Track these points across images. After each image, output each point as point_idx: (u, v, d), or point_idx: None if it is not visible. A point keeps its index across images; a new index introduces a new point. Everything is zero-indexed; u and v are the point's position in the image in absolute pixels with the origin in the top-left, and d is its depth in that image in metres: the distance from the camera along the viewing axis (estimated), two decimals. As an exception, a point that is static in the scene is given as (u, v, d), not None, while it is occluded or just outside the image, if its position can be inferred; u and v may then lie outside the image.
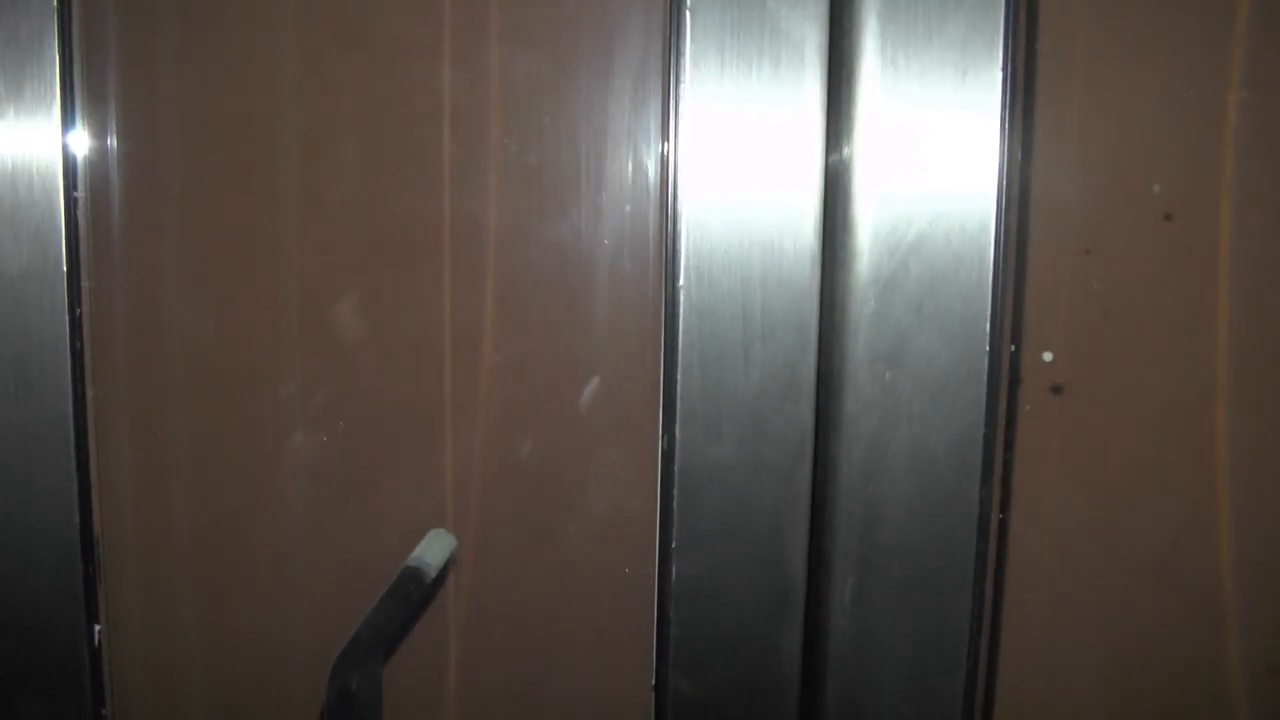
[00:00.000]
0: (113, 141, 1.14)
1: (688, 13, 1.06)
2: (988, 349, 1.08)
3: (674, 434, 1.09)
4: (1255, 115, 1.09)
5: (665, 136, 1.09)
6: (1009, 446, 1.12)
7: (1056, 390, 1.12)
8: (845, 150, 1.07)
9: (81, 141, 1.13)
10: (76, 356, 1.13)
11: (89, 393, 1.15)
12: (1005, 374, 1.11)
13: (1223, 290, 1.10)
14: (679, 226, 1.07)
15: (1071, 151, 1.11)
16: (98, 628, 1.19)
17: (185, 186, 1.15)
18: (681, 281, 1.08)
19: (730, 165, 1.07)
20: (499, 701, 1.22)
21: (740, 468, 1.10)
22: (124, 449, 1.18)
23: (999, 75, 1.06)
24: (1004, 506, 1.13)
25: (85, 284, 1.13)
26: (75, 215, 1.11)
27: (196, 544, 1.21)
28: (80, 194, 1.12)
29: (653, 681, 1.14)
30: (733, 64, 1.06)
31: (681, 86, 1.06)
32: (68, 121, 1.10)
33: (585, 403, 1.15)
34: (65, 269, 1.11)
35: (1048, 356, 1.12)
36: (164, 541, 1.21)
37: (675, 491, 1.10)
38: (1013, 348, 1.12)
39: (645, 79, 1.11)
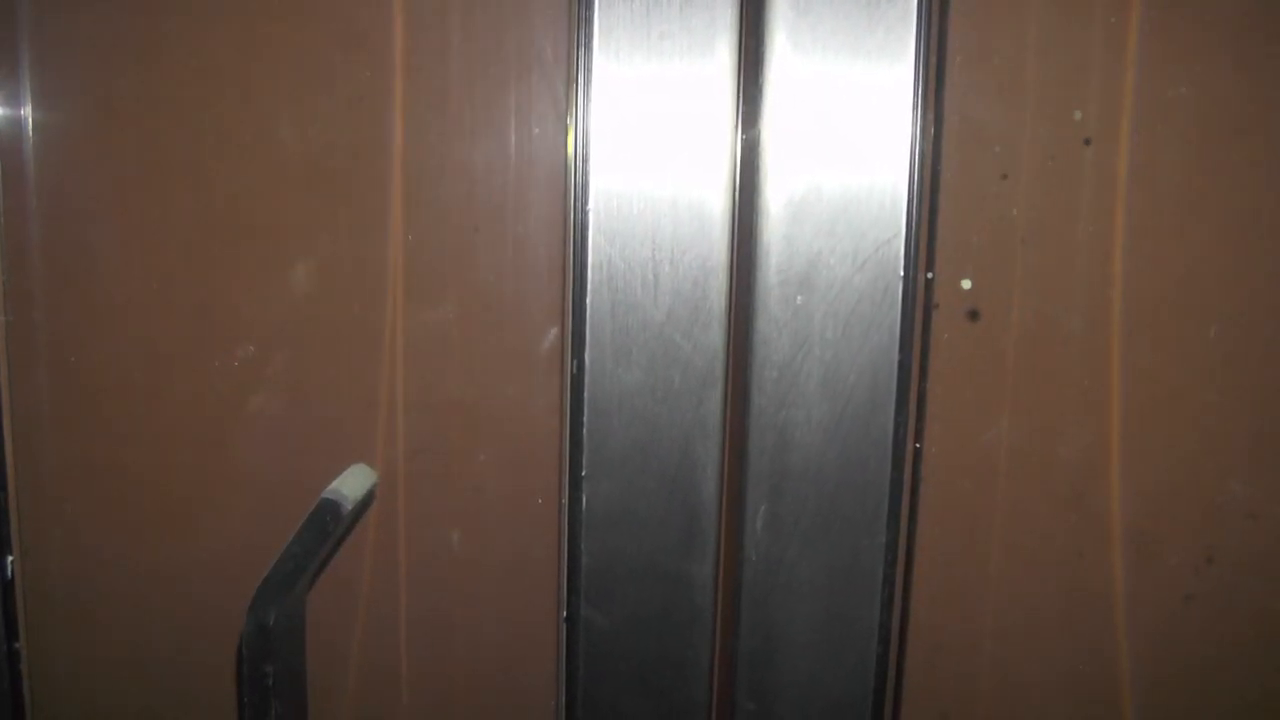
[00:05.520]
0: (25, 61, 1.13)
1: (596, -71, 1.04)
2: (902, 274, 1.06)
3: (583, 359, 1.08)
4: (1178, 41, 1.07)
5: (576, 58, 1.08)
6: (924, 374, 1.11)
7: (973, 317, 1.11)
8: (758, 72, 1.05)
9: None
10: (-15, 281, 1.12)
11: (1, 318, 1.14)
12: (920, 299, 1.09)
13: (1140, 215, 1.09)
14: (589, 149, 1.06)
15: (990, 75, 1.09)
16: (10, 559, 1.18)
17: (99, 110, 1.14)
18: (591, 204, 1.06)
19: (643, 87, 1.05)
20: (408, 634, 1.21)
21: (650, 393, 1.08)
22: (38, 376, 1.17)
23: (915, -2, 1.05)
24: (919, 435, 1.11)
25: (-7, 207, 1.13)
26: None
27: (113, 473, 1.20)
28: (-14, 114, 1.12)
29: (564, 613, 1.13)
30: (644, -16, 1.05)
31: (593, 5, 1.05)
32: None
33: (494, 327, 1.14)
34: (-29, 190, 1.10)
35: (966, 284, 1.11)
36: (79, 471, 1.19)
37: (585, 417, 1.08)
38: (929, 275, 1.10)
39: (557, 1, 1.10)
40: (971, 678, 1.17)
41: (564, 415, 1.10)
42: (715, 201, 1.06)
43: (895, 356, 1.07)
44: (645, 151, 1.06)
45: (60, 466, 1.19)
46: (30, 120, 1.13)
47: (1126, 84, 1.08)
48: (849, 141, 1.05)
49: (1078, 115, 1.09)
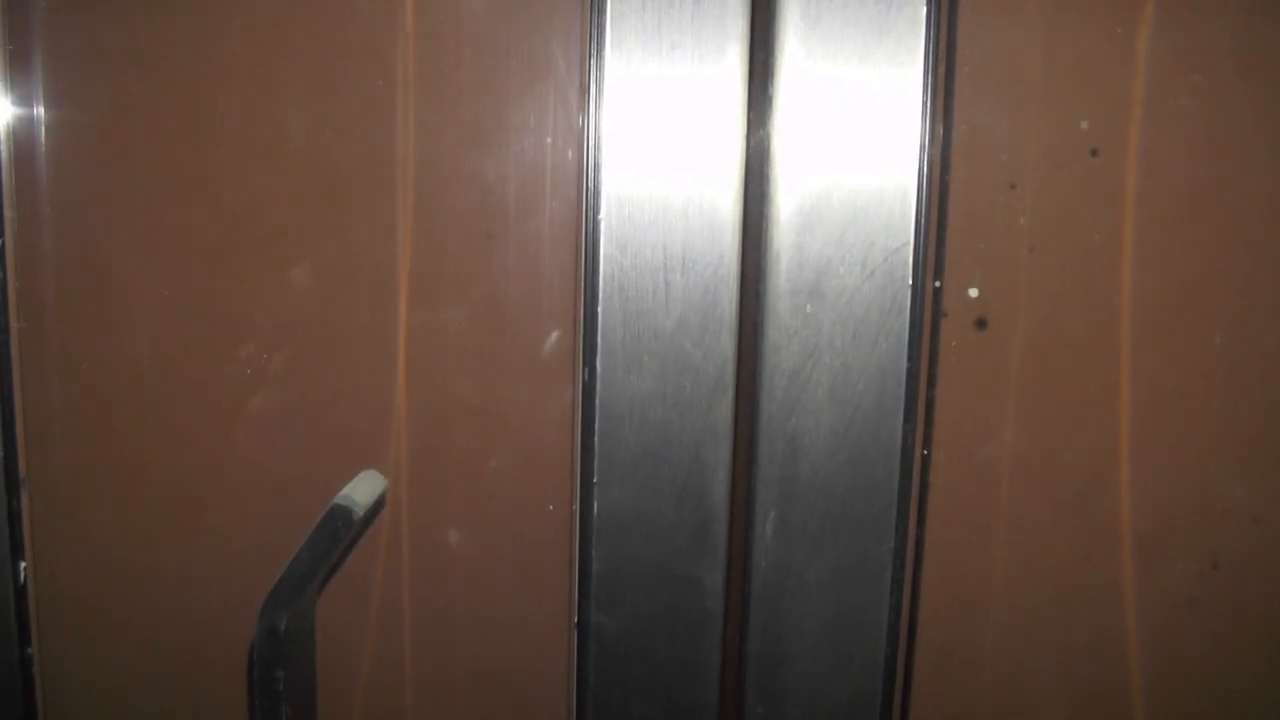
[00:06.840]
0: (39, 67, 1.13)
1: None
2: (910, 283, 1.07)
3: (594, 366, 1.08)
4: (1185, 51, 1.08)
5: (588, 67, 1.09)
6: (932, 382, 1.12)
7: (981, 325, 1.12)
8: (769, 81, 1.06)
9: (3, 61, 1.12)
10: (-1, 287, 1.13)
11: (13, 324, 1.15)
12: (929, 308, 1.10)
13: (1147, 224, 1.10)
14: (600, 157, 1.07)
15: (998, 84, 1.10)
16: (23, 564, 1.18)
17: (112, 115, 1.14)
18: (602, 213, 1.07)
19: (654, 96, 1.06)
20: (418, 639, 1.21)
21: (661, 400, 1.09)
22: (49, 382, 1.18)
23: (923, 8, 1.06)
24: (927, 442, 1.12)
25: (8, 214, 1.13)
26: (-5, 144, 1.11)
27: (125, 480, 1.20)
28: (2, 120, 1.12)
29: (574, 619, 1.14)
30: (655, -6, 1.06)
31: (605, 15, 1.06)
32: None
33: (506, 333, 1.15)
34: (-15, 198, 1.10)
35: (973, 292, 1.12)
36: (91, 476, 1.20)
37: (596, 424, 1.09)
38: (937, 283, 1.11)
39: (567, 8, 1.10)
40: (979, 682, 1.18)
41: (575, 421, 1.11)
42: (726, 210, 1.07)
43: (904, 364, 1.08)
44: (656, 160, 1.07)
45: (73, 472, 1.19)
46: (43, 126, 1.14)
47: (1134, 94, 1.09)
48: (858, 150, 1.06)
49: (1084, 125, 1.10)
